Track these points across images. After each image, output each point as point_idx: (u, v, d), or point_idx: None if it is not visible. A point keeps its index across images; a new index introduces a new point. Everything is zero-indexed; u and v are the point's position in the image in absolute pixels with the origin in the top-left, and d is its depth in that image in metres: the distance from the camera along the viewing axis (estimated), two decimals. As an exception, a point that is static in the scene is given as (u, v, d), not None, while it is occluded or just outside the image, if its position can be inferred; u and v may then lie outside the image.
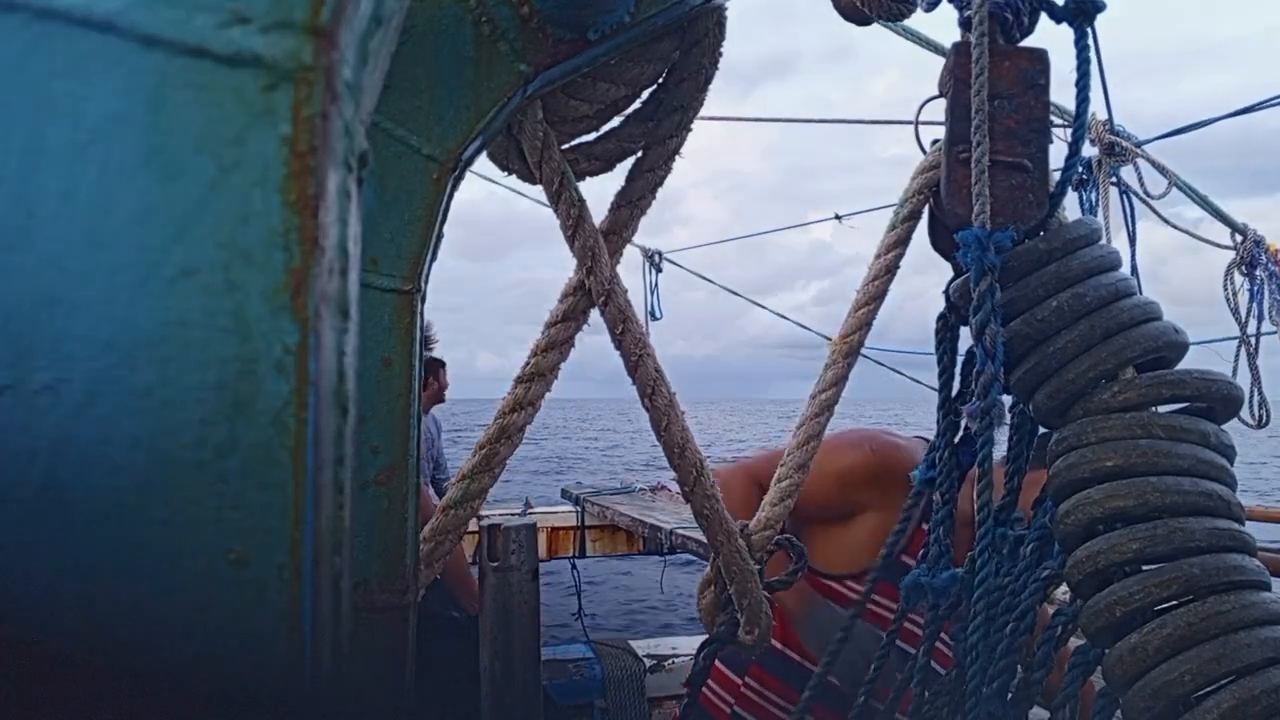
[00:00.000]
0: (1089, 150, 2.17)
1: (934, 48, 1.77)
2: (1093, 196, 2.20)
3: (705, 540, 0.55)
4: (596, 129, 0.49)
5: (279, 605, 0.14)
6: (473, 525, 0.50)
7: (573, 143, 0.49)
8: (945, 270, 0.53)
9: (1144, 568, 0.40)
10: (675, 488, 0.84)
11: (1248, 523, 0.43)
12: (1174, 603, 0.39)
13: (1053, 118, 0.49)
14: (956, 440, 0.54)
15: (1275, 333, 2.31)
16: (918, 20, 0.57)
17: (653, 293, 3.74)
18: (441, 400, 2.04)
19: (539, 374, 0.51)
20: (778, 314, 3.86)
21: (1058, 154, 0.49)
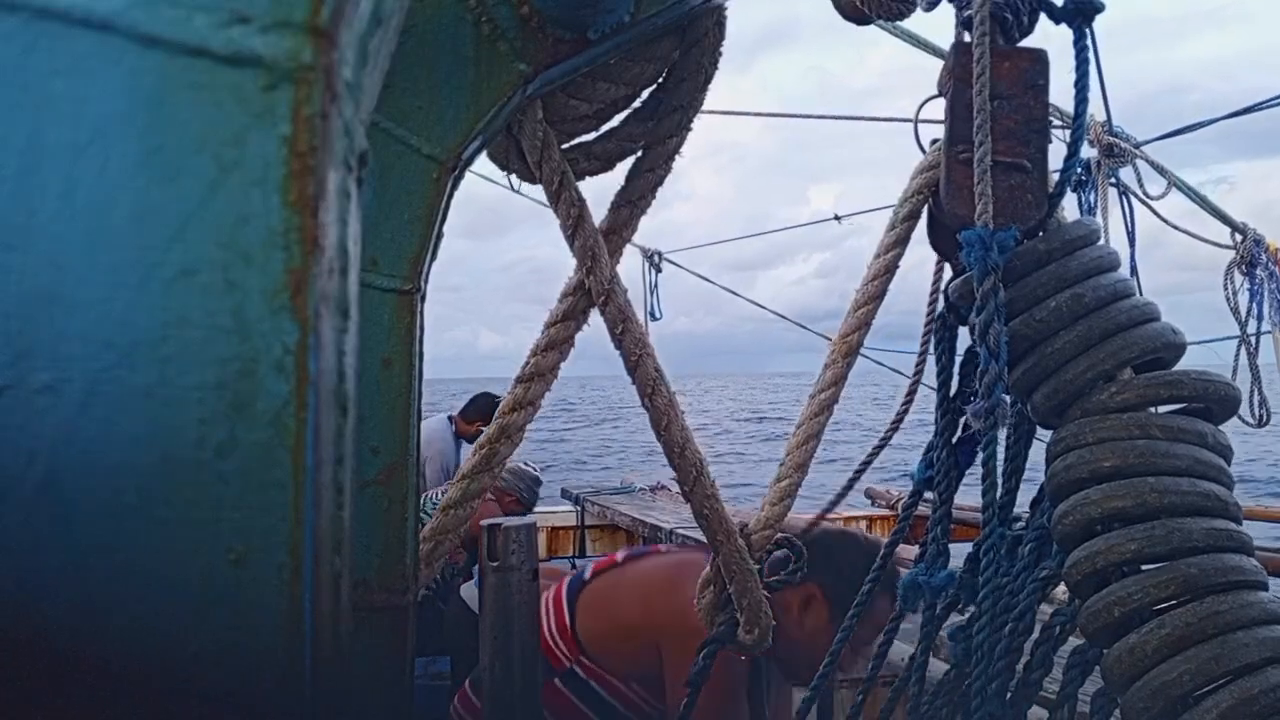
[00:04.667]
0: (1087, 151, 2.17)
1: (931, 49, 1.78)
2: (1091, 198, 2.20)
3: (705, 540, 0.55)
4: (596, 129, 0.49)
5: (279, 605, 0.14)
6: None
7: (572, 142, 0.49)
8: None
9: (1142, 568, 0.40)
10: (675, 487, 0.84)
11: (1247, 523, 0.43)
12: (1172, 603, 0.39)
13: (1052, 119, 0.49)
14: (954, 440, 0.54)
15: (1271, 332, 2.31)
16: (912, 21, 0.57)
17: (652, 293, 3.75)
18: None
19: (539, 374, 0.51)
20: (784, 316, 3.85)
21: (1057, 155, 0.49)
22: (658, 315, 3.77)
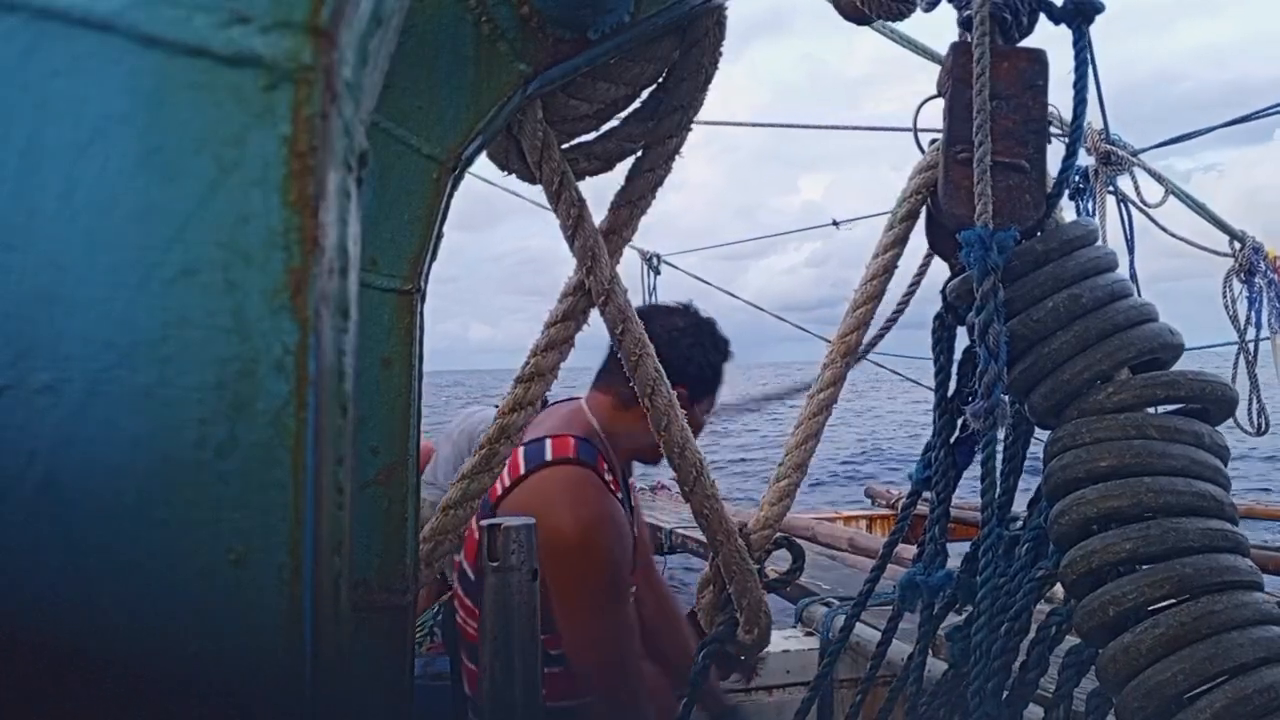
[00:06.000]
0: (1085, 160, 2.17)
1: (927, 53, 1.78)
2: (1089, 206, 2.20)
3: (705, 540, 0.55)
4: (596, 129, 0.49)
5: (279, 605, 0.14)
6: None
7: (573, 142, 0.49)
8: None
9: (1138, 568, 0.41)
10: (675, 487, 0.85)
11: (1249, 521, 0.43)
12: (1167, 602, 0.39)
13: (1050, 123, 0.49)
14: (953, 440, 0.54)
15: (1270, 339, 2.31)
16: (910, 24, 0.57)
17: (651, 295, 3.75)
18: None
19: (539, 374, 0.51)
20: (781, 317, 3.86)
21: (1054, 157, 0.49)
22: (656, 317, 3.75)
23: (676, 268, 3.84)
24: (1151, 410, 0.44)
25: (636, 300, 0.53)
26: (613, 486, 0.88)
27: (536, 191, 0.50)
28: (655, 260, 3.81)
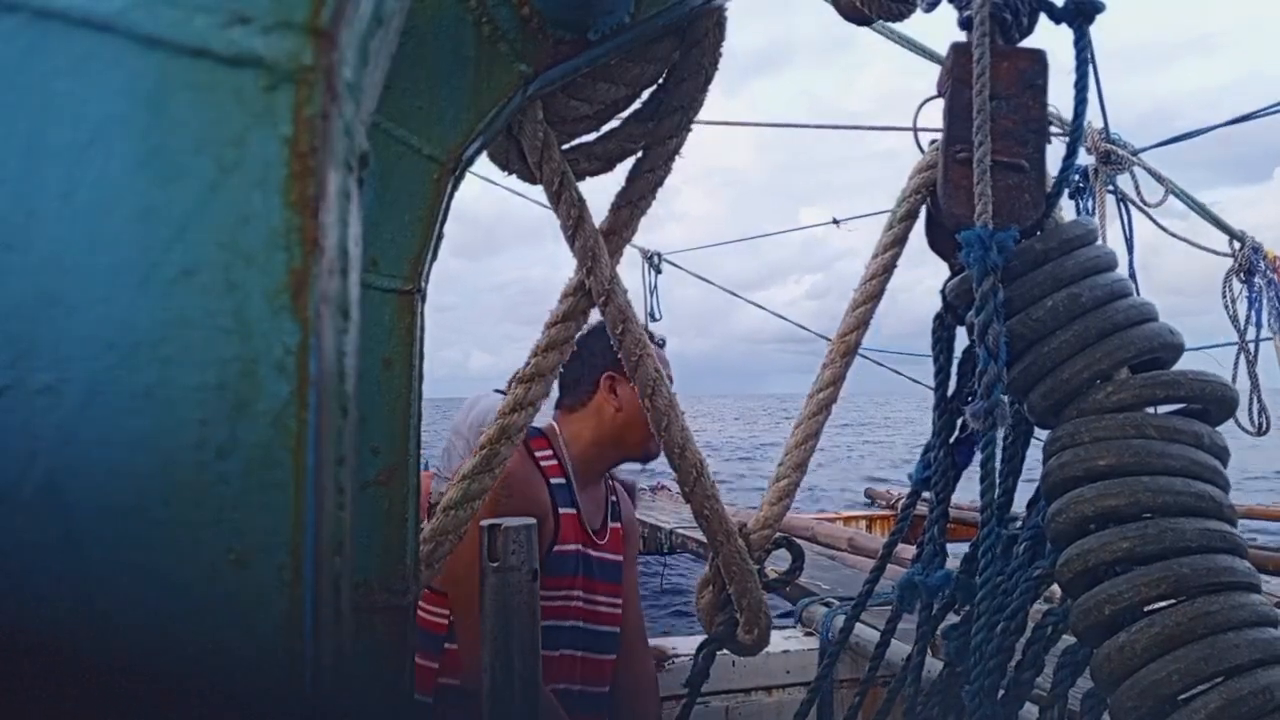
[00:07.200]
0: (1085, 159, 2.18)
1: (927, 54, 1.78)
2: (1089, 205, 2.21)
3: (705, 540, 0.55)
4: (596, 129, 0.49)
5: (279, 606, 0.14)
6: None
7: (573, 143, 0.49)
8: (938, 264, 0.53)
9: (1134, 567, 0.41)
10: (675, 488, 0.85)
11: (1250, 521, 0.43)
12: (1163, 603, 0.39)
13: (1051, 123, 0.50)
14: (952, 440, 0.54)
15: (1271, 339, 2.32)
16: (910, 24, 0.57)
17: (652, 294, 3.76)
18: None
19: (539, 374, 0.51)
20: (778, 314, 3.88)
21: (1054, 157, 0.49)
22: (657, 316, 3.78)
23: (678, 266, 3.84)
24: (1151, 410, 0.44)
25: (636, 301, 0.53)
26: (548, 470, 0.94)
27: (537, 193, 0.50)
28: (656, 259, 3.82)
